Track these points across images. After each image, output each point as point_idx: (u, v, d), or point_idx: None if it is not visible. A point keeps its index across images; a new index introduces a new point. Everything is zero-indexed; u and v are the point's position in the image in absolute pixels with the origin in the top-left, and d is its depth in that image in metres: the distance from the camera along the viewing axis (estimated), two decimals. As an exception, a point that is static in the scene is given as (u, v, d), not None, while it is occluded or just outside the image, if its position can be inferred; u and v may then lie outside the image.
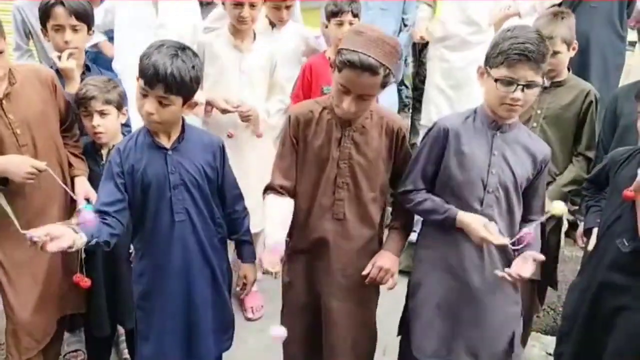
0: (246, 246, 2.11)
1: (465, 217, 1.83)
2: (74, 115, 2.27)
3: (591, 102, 2.44)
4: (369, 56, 1.69)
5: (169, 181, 1.86)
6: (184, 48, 1.79)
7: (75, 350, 2.66)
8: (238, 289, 2.09)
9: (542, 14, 2.56)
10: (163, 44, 1.77)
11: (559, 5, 3.40)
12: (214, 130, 2.56)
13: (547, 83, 1.82)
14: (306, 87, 2.96)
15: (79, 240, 1.64)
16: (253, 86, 2.73)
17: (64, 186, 2.09)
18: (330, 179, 1.91)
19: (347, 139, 1.89)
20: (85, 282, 2.14)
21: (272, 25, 3.13)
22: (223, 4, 2.63)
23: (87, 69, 2.47)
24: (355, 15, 2.82)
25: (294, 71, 3.17)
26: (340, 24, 2.81)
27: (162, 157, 1.87)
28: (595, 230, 2.08)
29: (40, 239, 1.53)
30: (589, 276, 1.99)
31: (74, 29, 2.35)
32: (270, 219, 1.88)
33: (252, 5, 2.56)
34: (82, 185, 2.20)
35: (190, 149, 1.91)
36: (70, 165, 2.22)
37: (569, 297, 2.14)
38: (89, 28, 2.43)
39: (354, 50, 1.70)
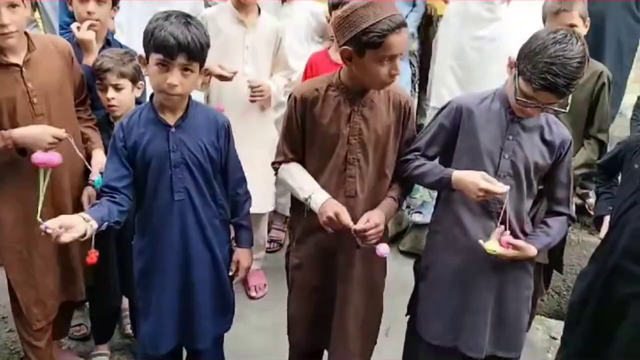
0: (243, 231, 2.08)
1: (459, 175, 1.78)
2: (87, 88, 2.26)
3: (604, 83, 2.39)
4: (394, 14, 1.69)
5: (170, 159, 1.84)
6: (190, 16, 1.79)
7: (79, 325, 2.68)
8: (231, 273, 2.06)
9: None
10: (170, 14, 1.75)
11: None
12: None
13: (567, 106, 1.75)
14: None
15: (90, 229, 1.66)
16: (257, 62, 2.69)
17: (82, 157, 2.08)
18: (341, 156, 1.87)
19: (357, 115, 1.85)
20: (92, 258, 2.13)
21: (283, 0, 3.07)
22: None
23: (107, 43, 2.45)
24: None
25: (304, 48, 3.13)
26: None
27: (164, 134, 1.84)
28: (607, 218, 2.04)
29: (55, 231, 1.58)
30: (601, 263, 1.96)
31: (98, 1, 2.35)
32: (301, 182, 1.89)
33: None
34: (99, 158, 2.17)
35: (194, 127, 1.88)
36: (86, 139, 2.21)
37: (577, 285, 2.12)
38: (114, 3, 2.43)
39: (379, 21, 1.67)
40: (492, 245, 1.75)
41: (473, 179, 1.74)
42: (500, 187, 1.72)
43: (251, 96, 2.64)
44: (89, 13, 2.33)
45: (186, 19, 1.75)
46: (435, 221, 2.02)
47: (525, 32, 2.45)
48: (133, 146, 1.84)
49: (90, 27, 2.32)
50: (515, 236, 1.84)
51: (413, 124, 1.98)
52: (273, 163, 1.99)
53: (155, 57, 1.74)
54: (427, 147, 1.92)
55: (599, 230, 2.11)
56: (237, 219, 2.06)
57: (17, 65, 1.96)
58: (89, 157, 2.18)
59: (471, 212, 1.86)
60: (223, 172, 1.98)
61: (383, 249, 1.84)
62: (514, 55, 1.78)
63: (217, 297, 2.03)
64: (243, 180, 2.06)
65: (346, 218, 1.78)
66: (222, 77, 2.60)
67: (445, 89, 3.36)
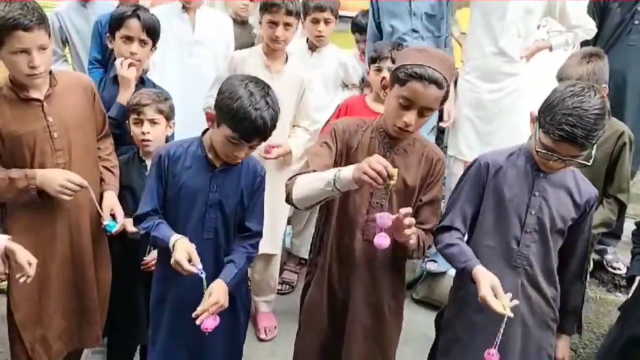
0: (233, 267, 1.94)
1: (478, 273, 1.71)
2: (117, 126, 2.30)
3: (624, 143, 2.39)
4: (435, 69, 1.71)
5: (208, 198, 1.89)
6: (268, 92, 1.82)
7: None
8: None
9: (575, 53, 2.53)
10: (252, 92, 1.77)
11: (594, 43, 3.38)
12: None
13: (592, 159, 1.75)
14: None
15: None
16: (280, 108, 2.72)
17: (95, 201, 2.06)
18: (365, 197, 1.87)
19: (388, 160, 1.85)
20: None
21: (312, 50, 3.17)
22: (260, 23, 2.64)
23: (141, 82, 2.52)
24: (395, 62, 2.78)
25: (331, 97, 3.20)
26: (379, 70, 2.76)
27: (208, 174, 1.90)
28: (638, 278, 2.00)
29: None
30: (620, 327, 1.92)
31: (142, 43, 2.43)
32: (320, 174, 1.71)
33: (287, 25, 2.57)
34: (110, 201, 2.15)
35: (236, 172, 1.93)
36: (100, 179, 2.19)
37: (602, 344, 2.07)
38: (154, 44, 2.50)
39: (420, 64, 1.72)
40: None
41: (480, 286, 1.66)
42: (496, 306, 1.61)
43: (265, 152, 2.63)
44: (131, 53, 2.41)
45: (267, 99, 1.79)
46: (459, 275, 2.00)
47: (542, 87, 2.50)
48: (173, 178, 1.88)
49: (130, 65, 2.39)
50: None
51: (440, 189, 1.94)
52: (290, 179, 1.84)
53: (229, 132, 1.78)
54: (461, 218, 1.89)
55: (629, 290, 2.07)
56: (232, 259, 1.95)
57: (38, 100, 1.96)
58: (101, 198, 2.15)
59: (496, 266, 1.83)
60: (242, 219, 1.99)
61: (381, 240, 1.65)
62: (534, 110, 1.79)
63: (228, 340, 2.01)
64: (258, 234, 2.03)
65: (388, 165, 1.56)
66: None
67: (462, 139, 3.38)
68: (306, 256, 3.36)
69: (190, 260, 1.77)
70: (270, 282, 3.01)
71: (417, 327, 2.21)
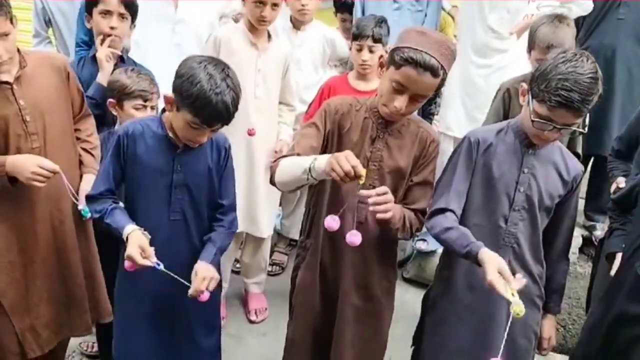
0: (211, 246, 1.92)
1: (484, 256, 1.64)
2: (98, 106, 2.25)
3: None
4: (432, 56, 1.66)
5: (172, 179, 1.84)
6: (228, 73, 1.74)
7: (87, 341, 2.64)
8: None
9: (540, 17, 2.47)
10: (211, 74, 1.69)
11: (584, 18, 3.35)
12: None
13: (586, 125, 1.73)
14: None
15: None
16: (267, 85, 2.69)
17: (68, 187, 1.99)
18: None
19: (381, 141, 1.83)
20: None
21: (297, 28, 3.12)
22: (243, 1, 2.59)
23: (121, 61, 2.48)
24: (377, 40, 2.71)
25: (319, 76, 3.16)
26: (360, 48, 2.73)
27: (170, 154, 1.84)
28: (619, 255, 2.00)
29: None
30: (606, 305, 1.91)
31: (122, 17, 2.39)
32: (302, 159, 1.70)
33: (274, 5, 2.53)
34: (88, 185, 2.05)
35: (200, 149, 1.87)
36: (79, 161, 2.13)
37: (582, 336, 2.07)
38: (132, 21, 2.46)
39: (417, 49, 1.66)
40: (519, 308, 1.57)
41: (487, 269, 1.59)
42: (504, 291, 1.55)
43: (248, 133, 2.62)
44: (112, 28, 2.38)
45: (227, 81, 1.71)
46: (446, 254, 1.98)
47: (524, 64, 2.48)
48: (134, 157, 1.83)
49: (111, 43, 2.36)
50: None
51: (433, 171, 1.90)
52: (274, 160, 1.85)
53: (190, 117, 1.71)
54: (456, 198, 1.83)
55: (610, 268, 2.06)
56: (210, 237, 1.94)
57: (7, 83, 1.86)
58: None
59: (484, 244, 1.76)
60: (213, 197, 1.95)
61: (353, 237, 1.70)
62: (524, 84, 1.77)
63: (203, 315, 2.00)
64: (231, 208, 1.99)
65: (357, 165, 1.54)
66: None
67: (452, 114, 3.38)
68: (296, 237, 3.34)
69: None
70: (261, 263, 3.00)
71: (408, 306, 2.21)
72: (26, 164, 1.86)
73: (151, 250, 1.76)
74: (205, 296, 1.81)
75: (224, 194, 1.96)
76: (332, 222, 1.72)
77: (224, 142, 1.95)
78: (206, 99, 1.67)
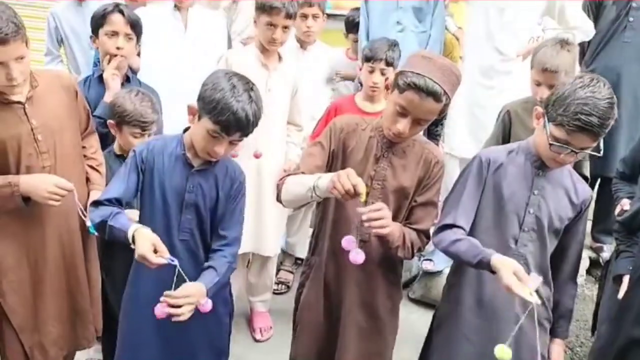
0: (211, 274, 1.82)
1: (496, 262, 1.64)
2: (94, 125, 2.26)
3: None
4: (436, 82, 1.68)
5: (184, 199, 1.84)
6: (252, 87, 1.77)
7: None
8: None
9: (547, 40, 2.50)
10: (235, 85, 1.72)
11: (589, 41, 3.37)
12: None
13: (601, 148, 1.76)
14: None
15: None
16: (277, 105, 2.71)
17: (78, 204, 1.98)
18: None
19: (385, 160, 1.84)
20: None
21: (303, 48, 3.18)
22: (255, 22, 2.63)
23: (127, 80, 2.52)
24: (390, 64, 2.73)
25: (325, 94, 3.22)
26: (372, 70, 2.75)
27: (185, 174, 1.84)
28: (626, 277, 1.99)
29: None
30: (615, 328, 1.90)
31: (128, 37, 2.44)
32: (307, 178, 1.73)
33: (285, 27, 2.57)
34: None
35: (214, 174, 1.87)
36: (86, 178, 2.15)
37: (591, 358, 2.05)
38: (137, 40, 2.51)
39: (420, 74, 1.69)
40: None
41: (503, 274, 1.59)
42: (522, 291, 1.55)
43: (255, 156, 2.63)
44: (118, 48, 2.43)
45: (250, 94, 1.73)
46: (454, 272, 1.98)
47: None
48: (151, 172, 1.83)
49: (117, 65, 2.41)
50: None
51: (437, 192, 1.91)
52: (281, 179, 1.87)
53: (211, 124, 1.72)
54: (464, 215, 1.84)
55: (618, 290, 2.05)
56: (213, 266, 1.85)
57: (19, 102, 1.90)
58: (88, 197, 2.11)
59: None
60: (218, 222, 1.90)
61: (356, 255, 1.71)
62: (539, 108, 1.79)
63: (210, 339, 1.98)
64: (236, 241, 1.93)
65: (358, 183, 1.57)
66: None
67: (457, 135, 3.39)
68: (301, 255, 3.36)
69: (156, 252, 1.64)
70: (267, 281, 3.00)
71: (414, 326, 2.21)
72: (42, 183, 1.89)
73: (163, 247, 1.66)
74: (207, 307, 1.73)
75: (228, 226, 1.90)
76: (348, 243, 1.74)
77: (239, 174, 1.93)
78: (227, 104, 1.69)
